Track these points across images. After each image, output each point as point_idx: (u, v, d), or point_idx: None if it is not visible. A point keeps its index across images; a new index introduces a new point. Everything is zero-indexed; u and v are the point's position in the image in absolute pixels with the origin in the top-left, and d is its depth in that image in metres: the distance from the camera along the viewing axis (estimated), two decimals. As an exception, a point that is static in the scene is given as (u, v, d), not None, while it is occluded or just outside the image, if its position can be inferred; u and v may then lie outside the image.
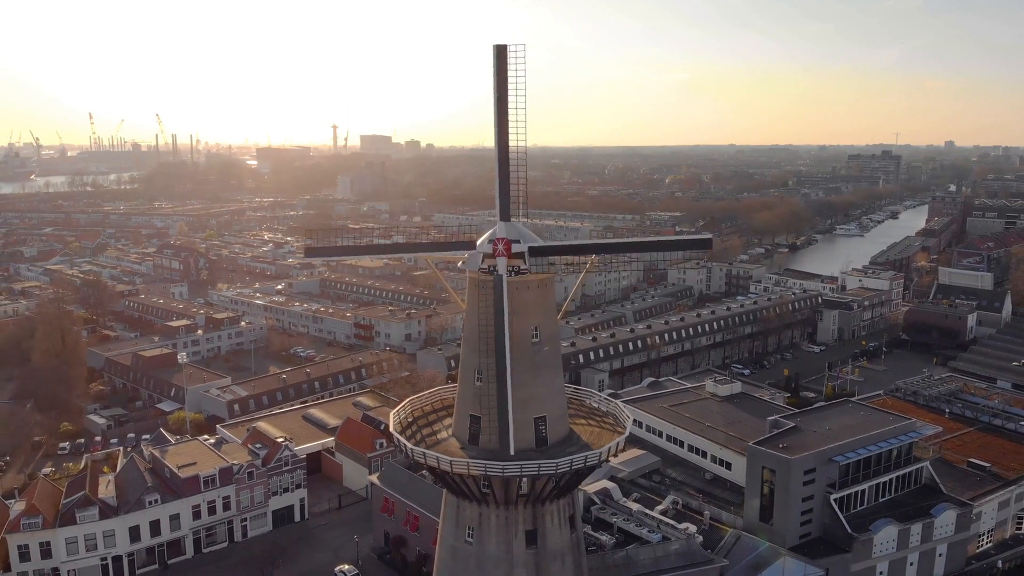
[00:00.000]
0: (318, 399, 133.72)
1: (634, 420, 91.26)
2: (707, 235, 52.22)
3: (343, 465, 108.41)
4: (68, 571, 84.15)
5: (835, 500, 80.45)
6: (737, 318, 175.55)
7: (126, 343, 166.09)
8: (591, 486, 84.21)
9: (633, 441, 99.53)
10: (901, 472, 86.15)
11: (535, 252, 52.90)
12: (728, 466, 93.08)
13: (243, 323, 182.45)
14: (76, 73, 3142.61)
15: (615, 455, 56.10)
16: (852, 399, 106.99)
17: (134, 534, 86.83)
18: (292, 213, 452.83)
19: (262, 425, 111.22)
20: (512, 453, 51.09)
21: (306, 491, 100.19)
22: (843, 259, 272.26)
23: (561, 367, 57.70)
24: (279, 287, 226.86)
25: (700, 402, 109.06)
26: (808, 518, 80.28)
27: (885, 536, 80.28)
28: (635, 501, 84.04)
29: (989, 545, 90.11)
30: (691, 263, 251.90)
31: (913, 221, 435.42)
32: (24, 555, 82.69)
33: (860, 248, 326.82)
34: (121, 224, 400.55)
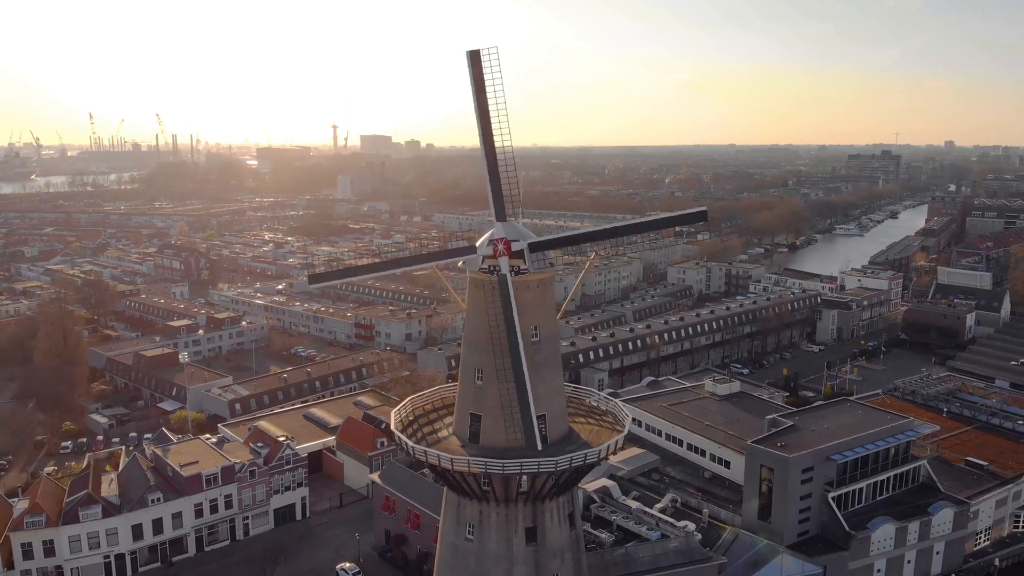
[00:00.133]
0: (319, 398, 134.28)
1: (633, 419, 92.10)
2: (702, 208, 51.87)
3: (344, 464, 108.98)
4: (71, 569, 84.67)
5: (833, 498, 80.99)
6: (736, 318, 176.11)
7: (127, 343, 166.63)
8: (591, 484, 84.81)
9: (632, 440, 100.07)
10: (899, 471, 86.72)
11: (535, 248, 53.39)
12: (727, 464, 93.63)
13: (244, 323, 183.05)
14: (76, 73, 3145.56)
15: (614, 453, 56.62)
16: (850, 398, 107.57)
17: (137, 532, 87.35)
18: (292, 213, 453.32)
19: (263, 424, 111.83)
20: (539, 448, 51.74)
21: (307, 490, 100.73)
22: (842, 259, 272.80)
23: (561, 366, 58.23)
24: (280, 287, 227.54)
25: (699, 401, 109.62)
26: (806, 516, 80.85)
27: (883, 534, 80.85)
28: (634, 499, 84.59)
29: (987, 543, 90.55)
30: (691, 263, 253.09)
31: (913, 221, 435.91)
32: (27, 553, 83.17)
33: (859, 248, 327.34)
34: (122, 224, 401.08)
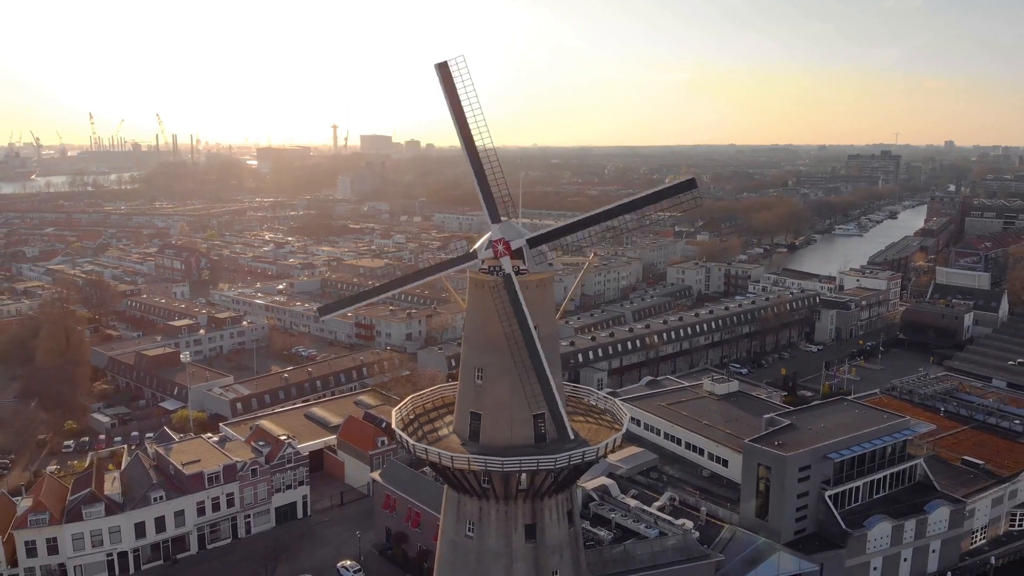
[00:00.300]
0: (320, 398, 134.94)
1: (632, 418, 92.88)
2: (689, 177, 51.64)
3: (345, 463, 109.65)
4: (74, 567, 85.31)
5: (830, 497, 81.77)
6: (735, 318, 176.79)
7: (129, 342, 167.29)
8: (590, 483, 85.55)
9: (631, 439, 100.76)
10: (895, 469, 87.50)
11: (533, 243, 53.87)
12: (725, 463, 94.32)
13: (245, 323, 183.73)
14: (76, 73, 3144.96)
15: (612, 451, 57.29)
16: (847, 398, 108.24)
17: (139, 530, 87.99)
18: (293, 213, 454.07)
19: (265, 423, 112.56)
20: (572, 438, 52.78)
21: (308, 488, 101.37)
22: (841, 259, 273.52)
23: (560, 366, 58.90)
24: (280, 287, 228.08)
25: (698, 400, 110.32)
26: (803, 514, 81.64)
27: (879, 532, 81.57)
28: (633, 497, 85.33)
29: (983, 542, 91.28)
30: (690, 263, 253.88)
31: (912, 221, 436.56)
32: (31, 551, 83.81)
33: (859, 248, 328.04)
34: (122, 224, 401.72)
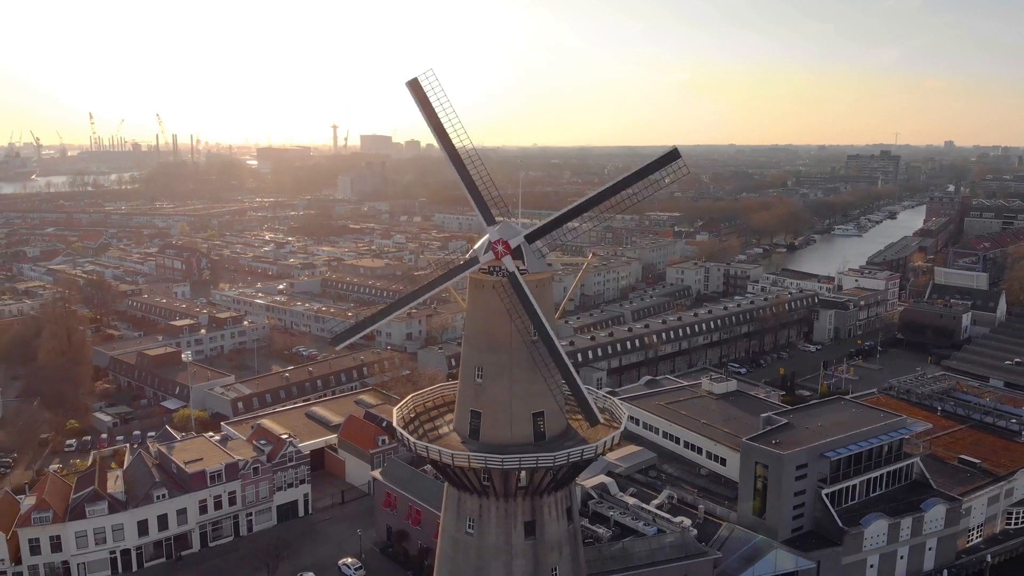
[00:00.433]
0: (320, 397, 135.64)
1: (631, 417, 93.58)
2: (671, 147, 51.71)
3: (346, 461, 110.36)
4: (78, 564, 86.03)
5: (826, 495, 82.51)
6: (734, 318, 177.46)
7: (130, 342, 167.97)
8: (589, 481, 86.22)
9: (630, 438, 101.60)
10: (892, 468, 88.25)
11: (531, 237, 54.33)
12: (723, 462, 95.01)
13: (246, 322, 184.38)
14: (76, 73, 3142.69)
15: (610, 449, 57.88)
16: (845, 397, 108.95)
17: (142, 528, 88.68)
18: (293, 213, 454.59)
19: (266, 422, 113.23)
20: (601, 422, 54.01)
21: (310, 487, 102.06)
22: (840, 259, 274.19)
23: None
24: (281, 287, 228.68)
25: (696, 400, 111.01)
26: (800, 512, 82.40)
27: (876, 530, 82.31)
28: (631, 496, 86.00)
29: (979, 540, 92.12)
30: (689, 263, 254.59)
31: (911, 221, 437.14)
32: (35, 549, 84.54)
33: (858, 248, 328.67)
34: (123, 224, 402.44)
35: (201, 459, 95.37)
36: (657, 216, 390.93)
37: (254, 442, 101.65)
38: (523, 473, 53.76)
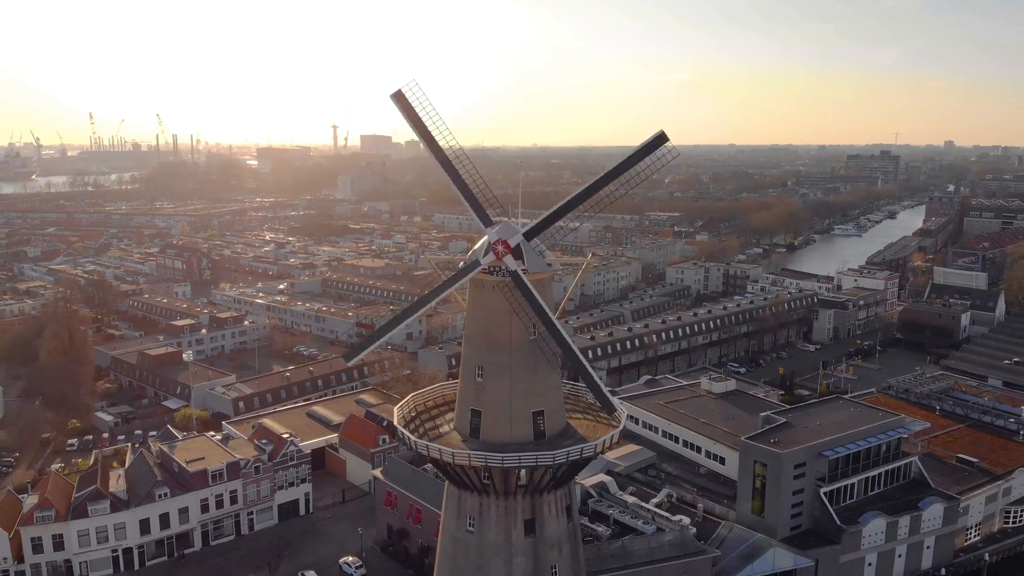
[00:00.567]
0: (321, 397, 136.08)
1: (630, 416, 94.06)
2: (658, 132, 51.71)
3: (346, 460, 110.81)
4: (80, 563, 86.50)
5: (825, 493, 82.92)
6: (733, 317, 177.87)
7: (131, 342, 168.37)
8: (588, 480, 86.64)
9: (629, 437, 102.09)
10: (890, 467, 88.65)
11: (530, 235, 54.70)
12: (722, 461, 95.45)
13: (246, 322, 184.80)
14: (76, 73, 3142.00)
15: (609, 447, 58.34)
16: (844, 396, 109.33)
17: (144, 527, 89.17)
18: (293, 213, 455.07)
19: (267, 422, 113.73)
20: (617, 409, 54.70)
21: (311, 486, 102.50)
22: (840, 259, 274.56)
23: (559, 364, 59.89)
24: (281, 287, 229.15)
25: (695, 399, 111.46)
26: (799, 511, 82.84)
27: (874, 528, 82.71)
28: (631, 494, 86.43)
29: (977, 538, 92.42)
30: (689, 263, 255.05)
31: (911, 221, 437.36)
32: (37, 547, 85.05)
33: (857, 248, 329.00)
34: (123, 224, 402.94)
35: (203, 458, 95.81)
36: (657, 216, 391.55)
37: (255, 441, 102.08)
38: (523, 471, 54.19)
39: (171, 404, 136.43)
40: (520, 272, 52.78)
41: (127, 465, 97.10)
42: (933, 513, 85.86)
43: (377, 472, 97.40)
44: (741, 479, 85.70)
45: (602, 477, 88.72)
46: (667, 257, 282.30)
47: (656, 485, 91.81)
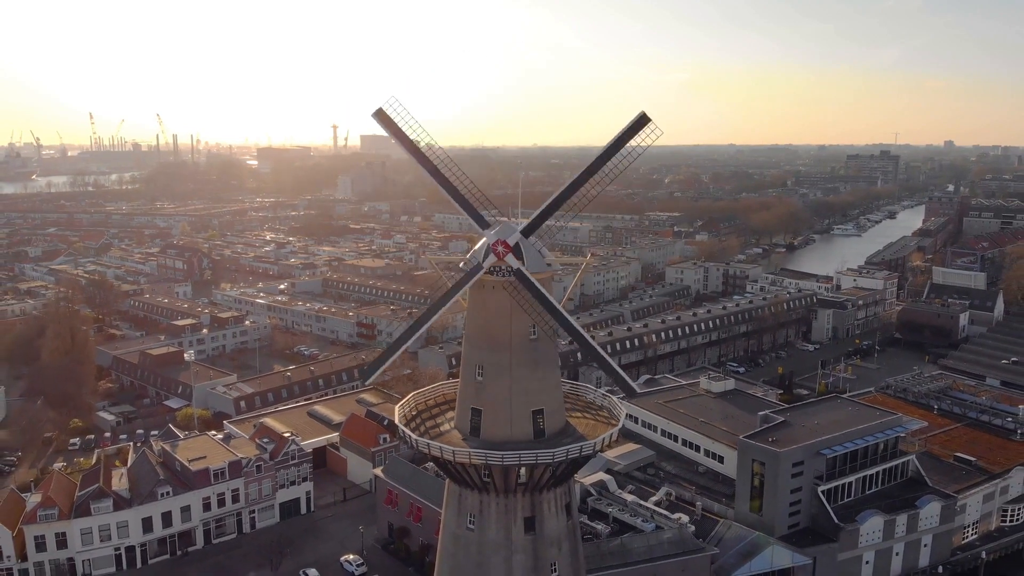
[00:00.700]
0: (322, 396, 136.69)
1: (630, 415, 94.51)
2: (640, 113, 52.00)
3: (347, 459, 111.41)
4: (83, 561, 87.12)
5: (823, 492, 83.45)
6: (733, 317, 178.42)
7: (132, 342, 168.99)
8: (588, 478, 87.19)
9: (629, 436, 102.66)
10: (887, 465, 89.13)
11: (527, 231, 55.14)
12: (720, 459, 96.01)
13: (247, 322, 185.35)
14: (76, 73, 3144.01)
15: (608, 446, 58.85)
16: (842, 395, 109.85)
17: (147, 525, 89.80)
18: (293, 213, 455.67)
19: (268, 421, 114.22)
20: (638, 392, 55.39)
21: (312, 484, 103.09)
22: (839, 259, 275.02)
23: (558, 363, 60.45)
24: (282, 287, 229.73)
25: (694, 398, 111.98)
26: (797, 509, 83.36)
27: (871, 526, 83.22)
28: (630, 493, 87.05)
29: (974, 537, 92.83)
30: (688, 263, 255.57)
31: (910, 221, 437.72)
32: (40, 545, 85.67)
33: (857, 248, 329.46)
34: (124, 224, 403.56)
35: (204, 457, 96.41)
36: (657, 216, 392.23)
37: (257, 440, 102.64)
38: (523, 469, 54.65)
39: (172, 403, 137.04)
40: (523, 269, 53.26)
41: (129, 464, 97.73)
42: (930, 511, 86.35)
43: (378, 471, 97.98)
44: (739, 478, 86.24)
45: (602, 476, 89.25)
46: (667, 257, 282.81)
47: (655, 484, 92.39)
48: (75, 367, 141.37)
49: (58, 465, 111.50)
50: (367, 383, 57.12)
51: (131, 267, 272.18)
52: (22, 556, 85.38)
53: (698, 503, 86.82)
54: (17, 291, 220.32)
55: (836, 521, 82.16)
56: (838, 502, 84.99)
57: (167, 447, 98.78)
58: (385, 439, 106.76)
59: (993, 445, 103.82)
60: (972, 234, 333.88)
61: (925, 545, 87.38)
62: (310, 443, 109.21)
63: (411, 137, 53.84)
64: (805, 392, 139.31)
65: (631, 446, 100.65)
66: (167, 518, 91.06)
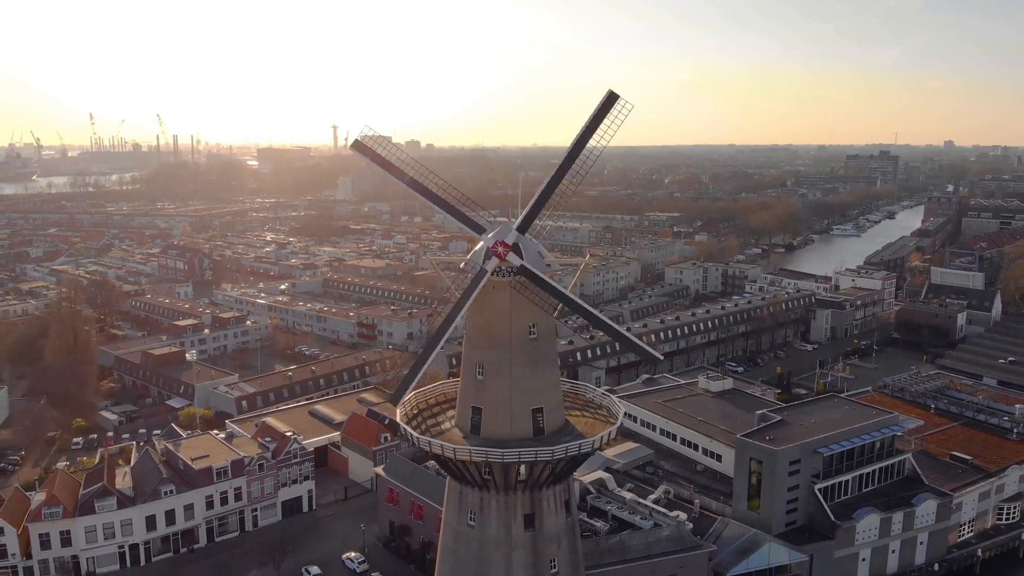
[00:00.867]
0: (323, 396, 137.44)
1: (628, 414, 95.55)
2: (608, 92, 52.92)
3: (349, 458, 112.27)
4: (87, 559, 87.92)
5: (819, 490, 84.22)
6: (731, 317, 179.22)
7: (134, 342, 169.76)
8: (587, 476, 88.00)
9: (628, 434, 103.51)
10: (884, 464, 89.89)
11: (522, 227, 55.92)
12: (718, 458, 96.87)
13: (248, 322, 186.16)
14: (76, 73, 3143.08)
15: (607, 443, 59.62)
16: (839, 395, 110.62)
17: (150, 523, 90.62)
18: (294, 214, 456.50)
19: (270, 420, 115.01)
20: (661, 358, 55.86)
21: (314, 483, 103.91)
22: (838, 259, 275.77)
23: (557, 362, 61.24)
24: (283, 287, 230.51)
25: (693, 398, 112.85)
26: (794, 507, 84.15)
27: (867, 524, 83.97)
28: (629, 491, 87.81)
29: (970, 535, 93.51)
30: (688, 263, 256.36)
31: (910, 221, 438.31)
32: (45, 543, 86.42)
33: (856, 248, 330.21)
34: (124, 225, 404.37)
35: (207, 456, 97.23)
36: (656, 216, 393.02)
37: (259, 439, 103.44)
38: (523, 467, 55.46)
39: (175, 403, 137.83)
40: (527, 265, 54.06)
41: (133, 463, 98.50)
42: (926, 509, 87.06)
43: (379, 469, 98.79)
44: (737, 476, 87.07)
45: (600, 474, 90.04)
46: (666, 257, 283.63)
47: (654, 482, 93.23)
48: (77, 367, 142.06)
49: (62, 464, 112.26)
50: (397, 405, 57.73)
51: (132, 267, 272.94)
52: (27, 554, 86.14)
53: (696, 501, 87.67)
54: (19, 291, 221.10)
55: (833, 519, 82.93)
56: (835, 500, 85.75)
57: (170, 446, 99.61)
58: (386, 438, 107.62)
59: (989, 444, 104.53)
60: (971, 234, 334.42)
61: (921, 543, 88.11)
62: (312, 442, 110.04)
63: (393, 161, 55.19)
64: (803, 392, 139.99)
65: (630, 445, 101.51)
66: (170, 516, 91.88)
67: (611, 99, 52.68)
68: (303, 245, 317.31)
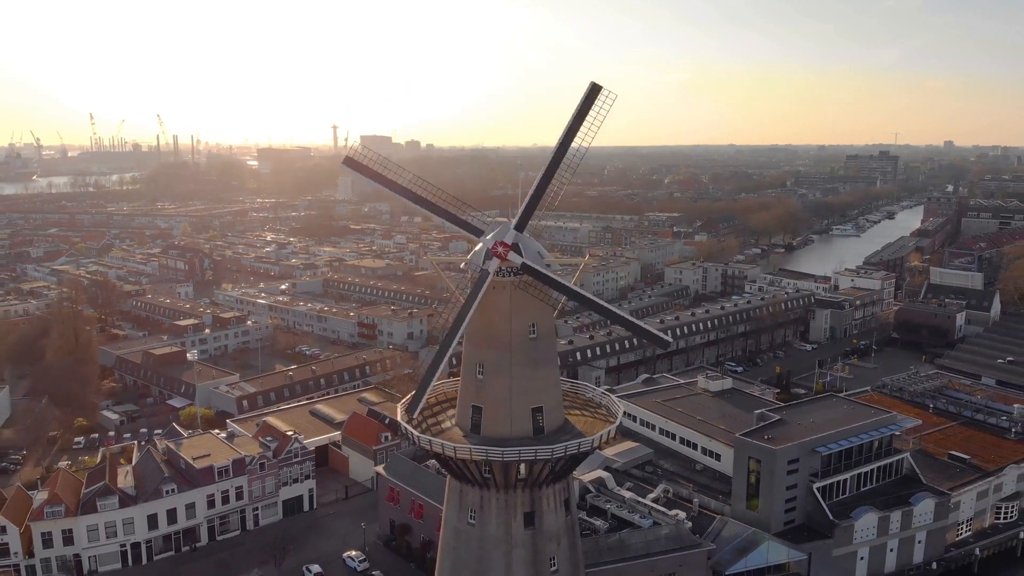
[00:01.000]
0: (324, 395, 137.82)
1: (628, 414, 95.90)
2: (591, 84, 53.50)
3: (349, 458, 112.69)
4: (89, 557, 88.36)
5: (818, 489, 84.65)
6: (731, 317, 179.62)
7: (135, 342, 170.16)
8: (586, 475, 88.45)
9: (627, 434, 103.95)
10: (882, 463, 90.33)
11: (520, 225, 56.27)
12: (717, 457, 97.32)
13: (249, 322, 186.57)
14: (76, 73, 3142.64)
15: (606, 442, 60.04)
16: (838, 394, 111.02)
17: (152, 522, 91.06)
18: (294, 214, 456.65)
19: (271, 420, 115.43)
20: (671, 343, 56.83)
21: (315, 482, 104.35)
22: (838, 259, 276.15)
23: (557, 362, 61.65)
24: (283, 287, 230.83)
25: (692, 397, 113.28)
26: (792, 506, 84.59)
27: (865, 523, 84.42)
28: (628, 490, 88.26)
29: (968, 533, 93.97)
30: (688, 263, 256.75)
31: (909, 221, 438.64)
32: (47, 542, 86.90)
33: (855, 248, 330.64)
34: (125, 225, 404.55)
35: (208, 455, 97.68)
36: (656, 216, 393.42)
37: (260, 439, 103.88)
38: (522, 465, 55.88)
39: (176, 403, 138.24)
40: (530, 263, 54.45)
41: (134, 462, 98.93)
42: (924, 508, 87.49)
43: (379, 468, 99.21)
44: (736, 475, 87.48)
45: (600, 473, 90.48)
46: (666, 257, 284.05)
47: (653, 481, 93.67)
48: (79, 367, 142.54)
49: (63, 463, 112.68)
50: (414, 415, 57.90)
51: (133, 267, 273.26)
52: (29, 552, 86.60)
53: (695, 500, 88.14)
54: (20, 291, 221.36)
55: (831, 518, 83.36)
56: (833, 499, 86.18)
57: (171, 445, 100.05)
58: (386, 437, 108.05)
59: (987, 443, 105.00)
60: (970, 234, 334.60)
61: (919, 542, 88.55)
62: (312, 441, 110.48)
63: (386, 174, 56.04)
64: (802, 391, 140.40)
65: (629, 444, 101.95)
66: (172, 515, 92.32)
67: (594, 91, 53.21)
68: (303, 245, 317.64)
